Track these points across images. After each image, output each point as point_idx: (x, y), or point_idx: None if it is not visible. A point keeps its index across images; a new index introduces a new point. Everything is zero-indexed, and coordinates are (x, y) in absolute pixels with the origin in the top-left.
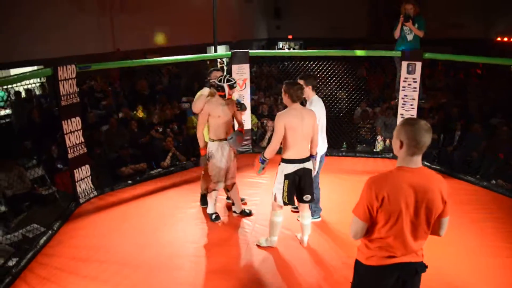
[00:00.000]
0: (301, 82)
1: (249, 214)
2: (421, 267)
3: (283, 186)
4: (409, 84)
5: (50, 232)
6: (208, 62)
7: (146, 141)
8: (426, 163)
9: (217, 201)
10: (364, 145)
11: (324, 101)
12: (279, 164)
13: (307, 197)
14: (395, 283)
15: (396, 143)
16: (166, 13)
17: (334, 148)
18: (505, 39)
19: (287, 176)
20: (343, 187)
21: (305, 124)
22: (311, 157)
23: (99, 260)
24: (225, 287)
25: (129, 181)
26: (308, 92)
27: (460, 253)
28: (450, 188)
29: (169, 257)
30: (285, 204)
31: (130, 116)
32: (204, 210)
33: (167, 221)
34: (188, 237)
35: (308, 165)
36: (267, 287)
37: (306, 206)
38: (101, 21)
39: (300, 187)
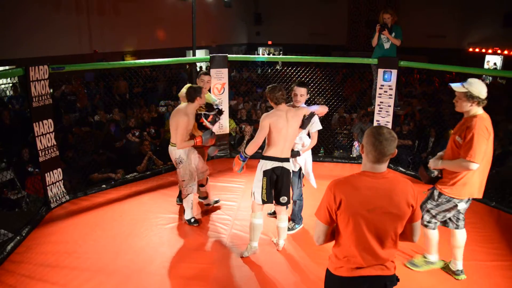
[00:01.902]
0: (305, 90)
1: (217, 201)
2: (391, 280)
3: (262, 184)
4: (385, 91)
5: (18, 237)
6: (187, 66)
7: (122, 145)
8: (401, 168)
9: (193, 205)
10: (341, 150)
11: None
12: (259, 162)
13: (284, 199)
14: None
15: (362, 149)
16: (145, 16)
17: (311, 153)
18: (477, 49)
19: (265, 173)
20: (320, 193)
21: (290, 125)
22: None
23: (69, 267)
24: None
25: (103, 185)
26: (305, 98)
27: None
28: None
29: (143, 263)
30: (263, 202)
31: (107, 119)
32: (180, 209)
33: (141, 227)
34: (163, 243)
35: (287, 165)
36: None
37: (283, 208)
38: (78, 23)
39: (277, 187)
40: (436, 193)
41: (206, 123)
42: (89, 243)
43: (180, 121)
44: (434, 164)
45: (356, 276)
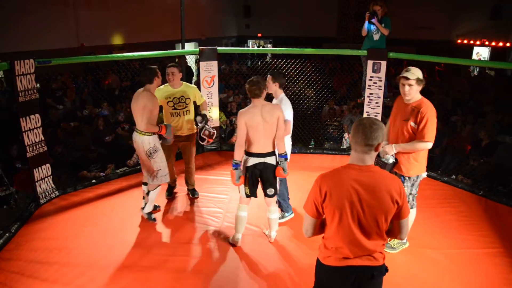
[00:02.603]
0: (269, 78)
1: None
2: (379, 271)
3: (245, 179)
4: (375, 83)
5: (7, 234)
6: (176, 60)
7: (111, 139)
8: None
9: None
10: (332, 142)
11: (292, 99)
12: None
13: (271, 191)
14: (351, 286)
15: (350, 141)
16: (133, 9)
17: (302, 145)
18: (465, 41)
19: (247, 169)
20: (310, 185)
21: (266, 120)
22: (280, 156)
23: (60, 263)
24: (194, 286)
25: (93, 181)
26: (275, 89)
27: (424, 246)
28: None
29: (135, 258)
30: (247, 196)
31: (95, 113)
32: (169, 203)
33: (132, 221)
34: (154, 237)
35: (270, 160)
36: (236, 284)
37: (272, 200)
38: (65, 16)
39: (262, 181)
40: (406, 181)
41: (206, 137)
42: (79, 238)
43: (148, 101)
44: (390, 149)
45: (344, 266)
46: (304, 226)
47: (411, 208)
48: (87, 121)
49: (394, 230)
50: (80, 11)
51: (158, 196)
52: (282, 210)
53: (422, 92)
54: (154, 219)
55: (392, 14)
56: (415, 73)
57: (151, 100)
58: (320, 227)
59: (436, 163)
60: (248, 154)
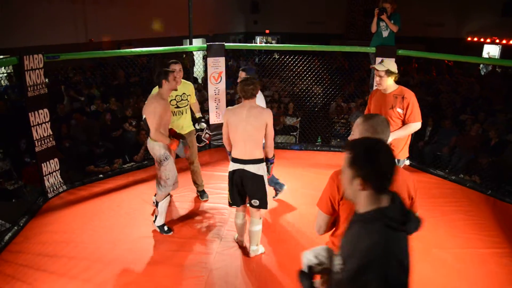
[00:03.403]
0: (243, 73)
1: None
2: None
3: (228, 186)
4: None
5: (16, 228)
6: (184, 56)
7: (119, 134)
8: None
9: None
10: (339, 139)
11: (299, 96)
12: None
13: (255, 202)
14: None
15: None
16: (141, 5)
17: (309, 142)
18: (475, 39)
19: (228, 174)
20: (318, 182)
21: (248, 123)
22: (267, 161)
23: (67, 256)
24: (200, 281)
25: (101, 175)
26: None
27: (431, 245)
28: (421, 182)
29: (141, 253)
30: (230, 204)
31: (103, 108)
32: (175, 199)
33: (138, 216)
34: (159, 232)
35: (249, 167)
36: (242, 279)
37: (253, 211)
38: (73, 11)
39: (245, 190)
40: (398, 163)
41: (206, 140)
42: (87, 232)
43: (158, 105)
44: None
45: None
46: (318, 223)
47: None
48: (95, 116)
49: None
50: (89, 7)
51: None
52: (276, 190)
53: (432, 90)
54: (168, 231)
55: (402, 10)
56: (385, 65)
57: (161, 105)
58: (332, 224)
59: (444, 162)
60: (232, 159)
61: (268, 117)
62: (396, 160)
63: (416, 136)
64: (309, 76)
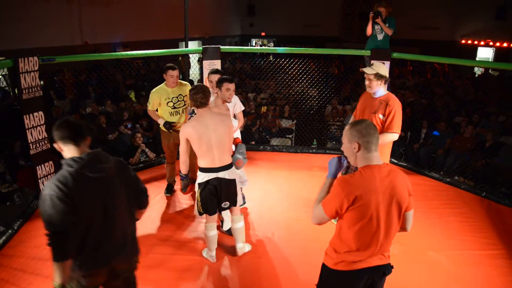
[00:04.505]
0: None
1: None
2: (388, 269)
3: (197, 196)
4: None
5: (10, 231)
6: (180, 58)
7: (114, 137)
8: (393, 160)
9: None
10: (334, 142)
11: (295, 99)
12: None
13: (226, 204)
14: (363, 285)
15: (352, 147)
16: (137, 7)
17: (304, 145)
18: (469, 41)
19: (199, 185)
20: (313, 184)
21: (213, 131)
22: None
23: None
24: (195, 285)
25: None
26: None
27: (426, 247)
28: (416, 185)
29: None
30: (200, 214)
31: (98, 111)
32: (170, 202)
33: None
34: (155, 235)
35: (224, 174)
36: (238, 282)
37: (234, 209)
38: (69, 13)
39: (218, 197)
40: None
41: None
42: None
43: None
44: None
45: (357, 270)
46: (316, 218)
47: None
48: (89, 119)
49: (401, 223)
50: (84, 8)
51: (157, 195)
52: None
53: (424, 91)
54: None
55: (397, 14)
56: (375, 68)
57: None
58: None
59: (439, 164)
60: (200, 170)
61: (229, 120)
62: None
63: (411, 138)
64: (304, 79)
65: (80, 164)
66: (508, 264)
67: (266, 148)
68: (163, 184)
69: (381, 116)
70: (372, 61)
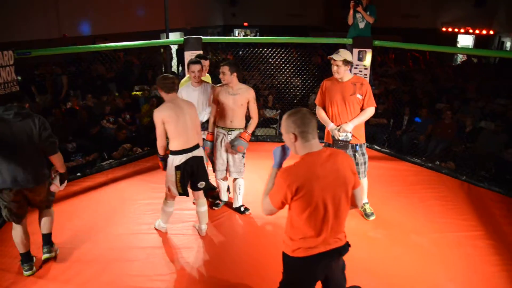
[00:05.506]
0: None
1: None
2: (344, 249)
3: (175, 178)
4: (360, 71)
5: None
6: (162, 50)
7: (97, 131)
8: (376, 147)
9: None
10: (318, 130)
11: (279, 88)
12: (168, 157)
13: (202, 184)
14: (323, 269)
15: (289, 138)
16: None
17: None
18: (450, 29)
19: (177, 168)
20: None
21: (186, 113)
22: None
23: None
24: (180, 278)
25: (78, 174)
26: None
27: (409, 231)
28: (399, 170)
29: (121, 251)
30: (180, 194)
31: (79, 106)
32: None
33: (118, 214)
34: (141, 229)
35: (197, 152)
36: (223, 275)
37: (200, 193)
38: (45, 5)
39: (193, 176)
40: (360, 148)
41: None
42: (65, 233)
43: None
44: (348, 127)
45: (314, 254)
46: (266, 210)
47: (365, 177)
48: (70, 114)
49: (352, 200)
50: (61, 0)
51: (142, 189)
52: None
53: (406, 79)
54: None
55: (377, 2)
56: (342, 55)
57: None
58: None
59: (421, 150)
60: (175, 153)
61: (193, 107)
62: (359, 145)
63: (394, 125)
64: (288, 68)
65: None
66: (487, 244)
67: (250, 138)
68: (149, 177)
69: (359, 96)
70: (339, 49)
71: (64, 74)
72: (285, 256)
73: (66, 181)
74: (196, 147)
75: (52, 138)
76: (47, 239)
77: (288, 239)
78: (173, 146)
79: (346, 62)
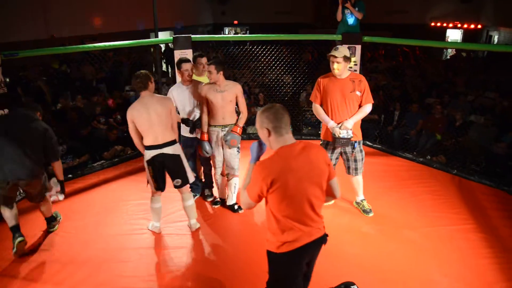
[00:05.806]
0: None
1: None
2: (324, 238)
3: (148, 173)
4: (350, 67)
5: None
6: (152, 49)
7: (87, 132)
8: (368, 142)
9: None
10: (310, 127)
11: (270, 85)
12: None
13: (178, 182)
14: (309, 258)
15: (263, 133)
16: None
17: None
18: (438, 24)
19: (148, 163)
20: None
21: (153, 111)
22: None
23: (37, 260)
24: (174, 278)
25: (70, 175)
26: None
27: (401, 226)
28: (391, 166)
29: (114, 252)
30: (156, 189)
31: (69, 107)
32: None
33: (111, 215)
34: (133, 229)
35: (168, 150)
36: (217, 274)
37: (184, 188)
38: (32, 5)
39: (170, 173)
40: (358, 145)
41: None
42: (57, 234)
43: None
44: (350, 124)
45: (298, 248)
46: (244, 204)
47: (361, 173)
48: (60, 115)
49: (329, 191)
50: (49, 0)
51: (134, 189)
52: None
53: (396, 74)
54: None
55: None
56: (342, 51)
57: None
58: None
59: (412, 145)
60: (146, 148)
61: (170, 103)
62: (358, 142)
63: (385, 121)
64: (278, 66)
65: None
66: (478, 237)
67: (242, 136)
68: (140, 178)
69: (358, 93)
70: (337, 46)
71: (41, 79)
72: (270, 254)
73: (65, 191)
74: (168, 144)
75: (57, 147)
76: (50, 220)
77: (271, 235)
78: (145, 142)
79: (346, 58)
